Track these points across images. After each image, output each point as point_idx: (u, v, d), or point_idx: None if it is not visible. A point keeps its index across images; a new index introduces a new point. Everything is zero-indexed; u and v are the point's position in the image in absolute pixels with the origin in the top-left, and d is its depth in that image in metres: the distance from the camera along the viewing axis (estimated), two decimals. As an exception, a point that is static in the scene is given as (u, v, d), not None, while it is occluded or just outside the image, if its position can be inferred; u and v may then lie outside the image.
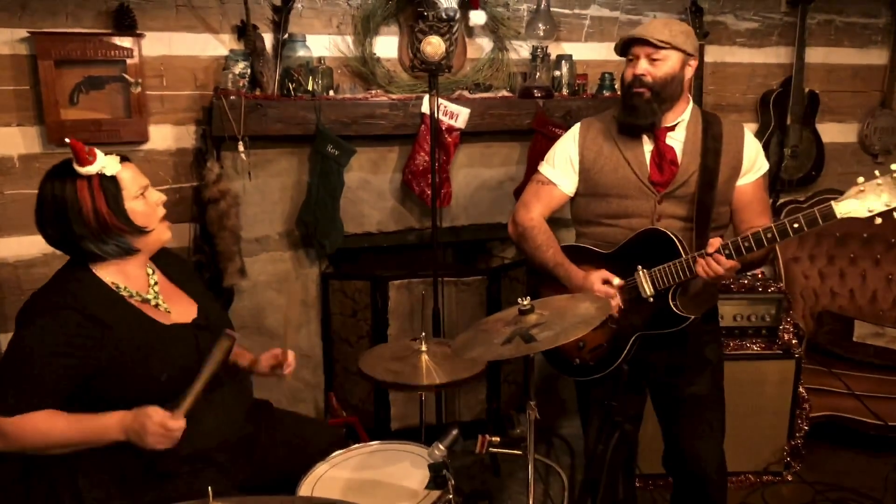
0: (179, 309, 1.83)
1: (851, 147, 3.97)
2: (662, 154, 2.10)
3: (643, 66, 2.04)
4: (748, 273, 3.03)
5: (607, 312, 1.80)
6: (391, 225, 3.14)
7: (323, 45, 2.99)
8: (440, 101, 2.82)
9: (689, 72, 2.10)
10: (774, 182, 3.67)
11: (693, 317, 2.03)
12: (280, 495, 1.82)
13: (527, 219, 2.24)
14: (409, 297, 3.10)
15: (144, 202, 1.74)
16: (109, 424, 1.62)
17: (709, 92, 3.58)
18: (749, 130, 2.20)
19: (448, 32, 2.63)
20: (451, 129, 2.97)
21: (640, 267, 2.06)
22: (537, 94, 3.05)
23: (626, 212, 2.13)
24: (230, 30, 2.86)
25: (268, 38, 2.86)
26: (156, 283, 1.82)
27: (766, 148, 3.56)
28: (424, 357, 2.12)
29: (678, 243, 2.01)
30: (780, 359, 3.01)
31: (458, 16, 2.64)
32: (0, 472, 1.76)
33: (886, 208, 1.75)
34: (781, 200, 3.73)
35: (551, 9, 3.15)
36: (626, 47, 2.10)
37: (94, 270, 1.71)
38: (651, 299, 2.06)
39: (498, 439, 1.88)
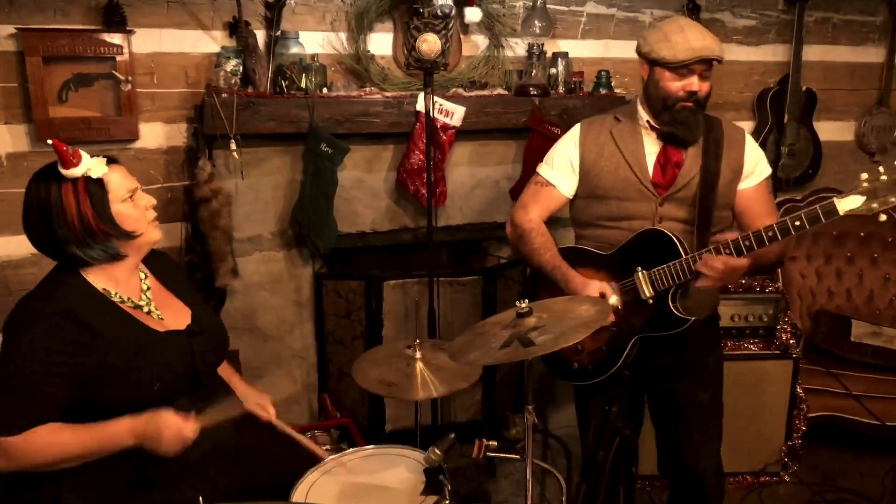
0: (172, 315, 1.78)
1: (848, 145, 3.96)
2: (668, 156, 2.08)
3: (698, 82, 1.99)
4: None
5: (607, 316, 1.77)
6: (386, 224, 3.11)
7: (316, 41, 2.95)
8: (435, 98, 2.79)
9: None
10: (771, 181, 3.65)
11: (693, 318, 2.01)
12: (274, 502, 1.78)
13: (525, 220, 2.21)
14: (403, 297, 3.07)
15: (133, 206, 1.68)
16: (119, 431, 1.58)
17: (706, 90, 3.56)
18: (749, 135, 2.18)
19: (444, 29, 2.59)
20: (446, 128, 2.94)
21: (639, 268, 2.04)
22: (533, 91, 3.03)
23: (627, 214, 2.10)
24: (222, 26, 2.82)
25: (260, 35, 2.83)
26: (148, 289, 1.78)
27: (763, 146, 3.54)
28: (419, 365, 2.07)
29: (678, 243, 1.99)
30: (778, 359, 3.01)
31: (453, 12, 2.60)
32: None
33: (890, 204, 1.72)
34: (779, 199, 3.71)
35: (547, 6, 3.12)
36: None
37: (84, 275, 1.66)
38: (650, 301, 2.03)
39: (495, 444, 1.85)
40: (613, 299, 2.04)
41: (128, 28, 2.68)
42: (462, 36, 3.13)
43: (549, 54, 3.16)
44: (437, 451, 1.72)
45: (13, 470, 1.57)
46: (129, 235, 1.67)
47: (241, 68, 2.72)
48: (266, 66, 2.79)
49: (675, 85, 2.00)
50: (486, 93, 3.06)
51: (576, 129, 2.21)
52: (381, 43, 3.04)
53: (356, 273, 3.16)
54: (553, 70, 3.16)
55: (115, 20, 2.65)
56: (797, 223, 1.80)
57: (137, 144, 2.81)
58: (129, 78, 2.70)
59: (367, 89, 2.94)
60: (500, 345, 1.67)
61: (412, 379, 2.04)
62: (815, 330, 3.48)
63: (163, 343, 1.70)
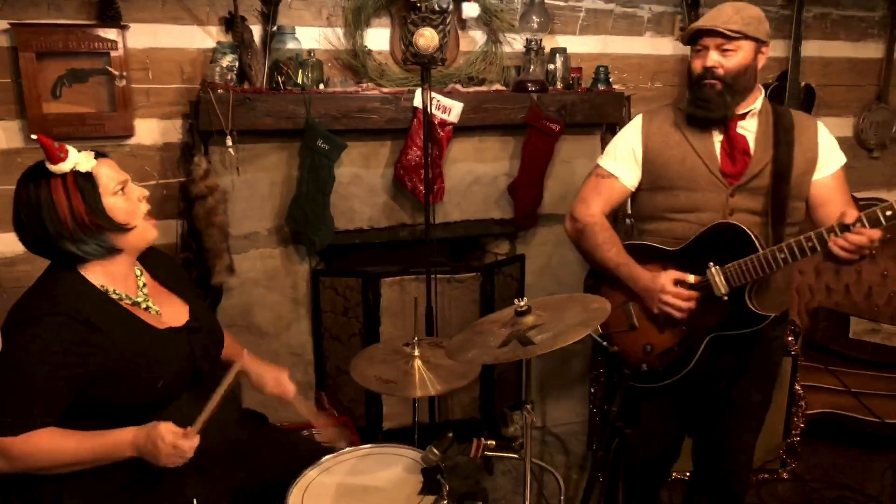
0: (170, 312, 1.76)
1: (847, 141, 3.94)
2: (734, 143, 2.00)
3: (714, 57, 1.93)
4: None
5: (604, 315, 1.69)
6: (383, 221, 3.09)
7: (313, 37, 2.93)
8: (433, 94, 2.77)
9: (762, 60, 1.99)
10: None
11: (773, 315, 1.95)
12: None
13: (587, 215, 2.14)
14: (401, 294, 3.06)
15: (124, 198, 1.66)
16: (121, 442, 1.56)
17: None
18: (822, 124, 2.10)
19: (441, 24, 2.58)
20: (443, 124, 2.92)
21: (711, 264, 1.96)
22: (531, 87, 3.01)
23: (695, 205, 2.02)
24: (218, 21, 2.80)
25: (256, 31, 2.80)
26: (144, 286, 1.76)
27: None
28: (417, 363, 2.06)
29: (753, 238, 1.91)
30: (777, 356, 2.99)
31: (450, 7, 2.59)
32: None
33: None
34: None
35: (545, 1, 3.10)
36: (694, 37, 1.98)
37: (81, 272, 1.64)
38: (725, 298, 1.95)
39: (493, 443, 1.85)
40: (692, 278, 1.98)
41: (122, 23, 2.65)
42: (459, 31, 3.11)
43: (547, 50, 3.14)
44: (435, 451, 1.71)
45: (11, 472, 1.55)
46: (123, 228, 1.65)
47: (237, 64, 2.70)
48: (262, 62, 2.77)
49: (695, 62, 1.98)
50: (483, 89, 3.04)
51: (638, 119, 2.14)
52: (378, 38, 3.02)
53: (353, 270, 3.14)
54: (551, 66, 3.14)
55: (110, 15, 2.63)
56: None
57: (132, 141, 2.79)
58: (124, 73, 2.68)
59: (364, 85, 2.91)
60: (499, 343, 1.66)
61: (410, 377, 2.03)
62: (813, 327, 3.47)
63: (163, 340, 1.68)
